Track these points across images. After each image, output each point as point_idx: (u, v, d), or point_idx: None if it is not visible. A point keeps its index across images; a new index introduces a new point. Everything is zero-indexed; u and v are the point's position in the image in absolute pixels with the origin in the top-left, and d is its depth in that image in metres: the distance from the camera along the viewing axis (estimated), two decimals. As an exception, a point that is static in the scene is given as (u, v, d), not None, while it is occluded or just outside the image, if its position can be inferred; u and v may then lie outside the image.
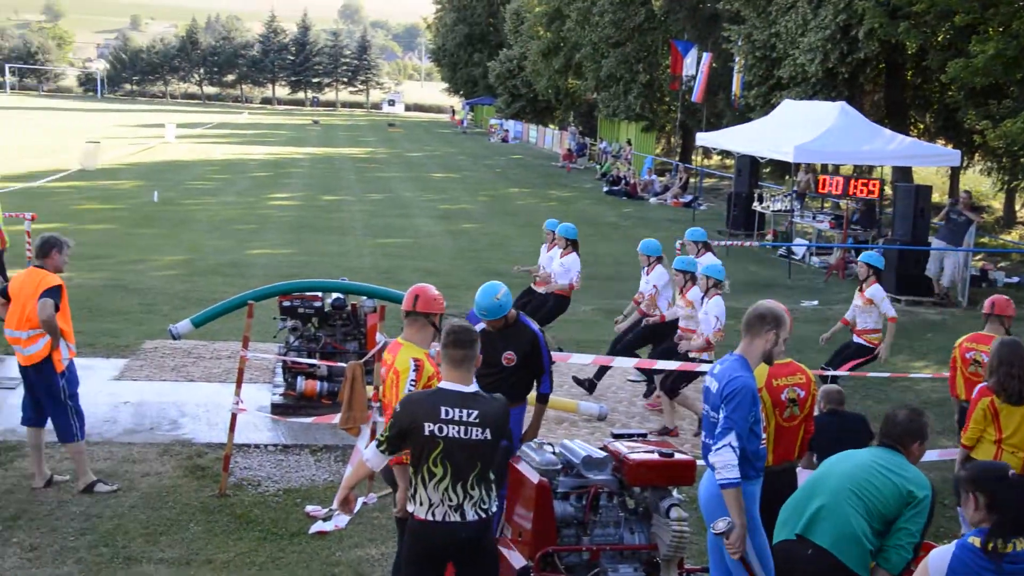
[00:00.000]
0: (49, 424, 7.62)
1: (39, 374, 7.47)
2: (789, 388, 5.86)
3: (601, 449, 6.04)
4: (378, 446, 4.99)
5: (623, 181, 35.56)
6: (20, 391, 8.00)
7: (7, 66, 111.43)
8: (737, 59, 30.20)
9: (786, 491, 5.43)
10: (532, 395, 7.08)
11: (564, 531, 5.82)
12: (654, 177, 36.48)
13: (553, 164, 46.74)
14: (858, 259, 10.60)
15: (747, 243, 22.12)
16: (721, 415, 5.25)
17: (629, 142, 42.15)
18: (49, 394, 7.49)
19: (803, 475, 6.25)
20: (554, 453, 6.04)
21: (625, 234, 25.03)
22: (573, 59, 48.38)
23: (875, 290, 10.05)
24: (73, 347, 7.66)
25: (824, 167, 25.47)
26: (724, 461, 5.16)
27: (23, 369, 7.57)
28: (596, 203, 32.24)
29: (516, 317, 6.71)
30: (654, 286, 10.72)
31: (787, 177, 26.78)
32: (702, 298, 9.55)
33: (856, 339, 10.18)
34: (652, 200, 33.38)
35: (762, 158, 23.28)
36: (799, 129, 20.66)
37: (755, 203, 23.74)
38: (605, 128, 48.98)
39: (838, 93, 24.55)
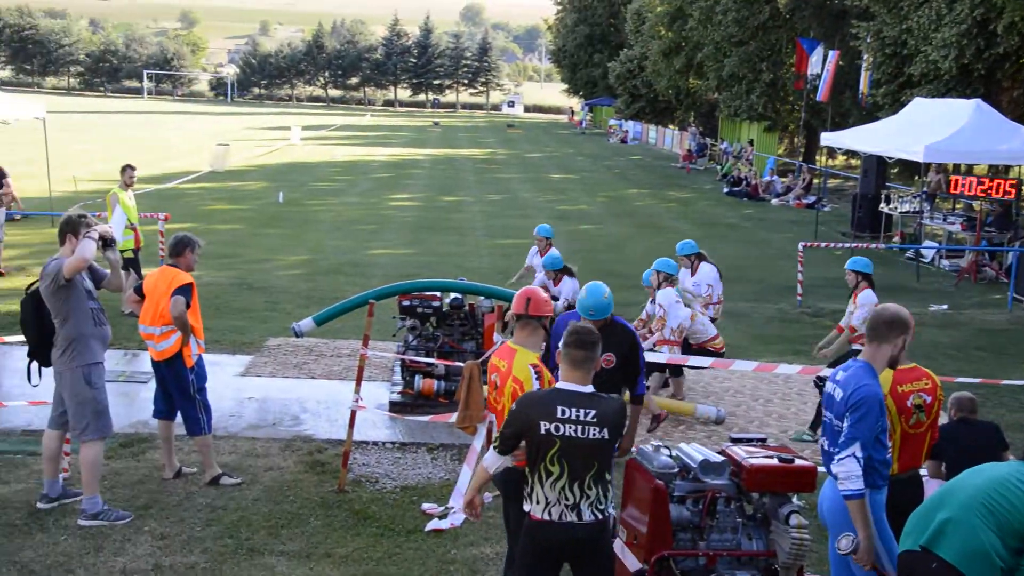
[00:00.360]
0: (179, 417, 7.87)
1: (170, 369, 7.71)
2: (915, 394, 5.64)
3: (719, 453, 5.94)
4: (493, 446, 5.00)
5: (744, 182, 35.00)
6: (152, 385, 8.29)
7: (145, 72, 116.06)
8: (865, 56, 29.40)
9: (912, 499, 5.24)
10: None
11: (680, 535, 5.75)
12: (776, 178, 35.82)
13: (672, 165, 46.30)
14: (845, 266, 10.11)
15: (873, 245, 21.52)
16: (845, 424, 5.09)
17: (751, 142, 41.46)
18: (179, 388, 7.73)
19: (930, 485, 6.02)
20: (671, 456, 5.97)
21: (745, 236, 24.62)
22: (694, 59, 47.83)
23: (865, 296, 9.70)
24: (202, 343, 7.88)
25: (956, 167, 24.59)
26: (848, 472, 5.00)
27: (155, 364, 7.81)
28: (716, 204, 31.79)
29: (611, 318, 6.59)
30: (660, 305, 10.33)
31: (916, 178, 25.96)
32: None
33: (856, 346, 9.75)
34: (774, 201, 32.76)
35: (890, 158, 22.61)
36: (930, 128, 19.96)
37: (882, 204, 23.06)
38: (726, 128, 48.29)
39: (973, 90, 23.64)
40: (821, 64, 33.22)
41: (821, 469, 5.49)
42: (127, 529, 6.94)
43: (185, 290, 7.52)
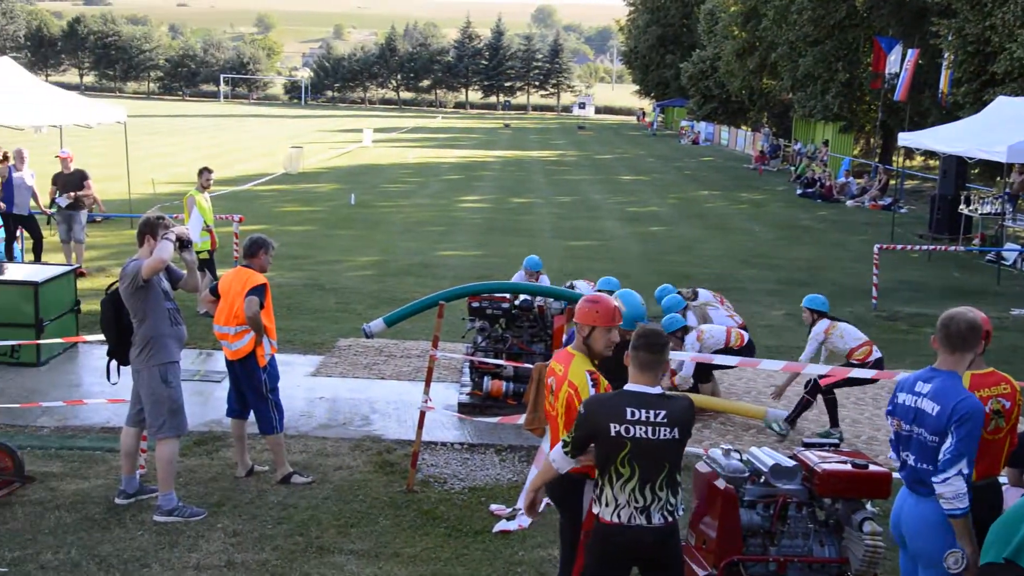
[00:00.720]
0: (251, 416, 7.99)
1: (244, 368, 7.82)
2: (993, 399, 5.48)
3: (791, 458, 5.85)
4: (563, 448, 4.98)
5: (818, 183, 34.48)
6: (226, 384, 8.42)
7: (222, 76, 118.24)
8: (946, 55, 28.75)
9: (990, 508, 5.10)
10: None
11: (750, 540, 5.68)
12: (851, 179, 35.23)
13: (745, 166, 45.81)
14: (802, 304, 10.06)
15: (951, 248, 21.04)
16: (951, 440, 4.83)
17: (826, 143, 40.85)
18: (252, 387, 7.83)
19: (1010, 493, 5.85)
20: (741, 460, 5.90)
21: (819, 238, 24.25)
22: (768, 59, 47.24)
23: (816, 328, 9.71)
24: (275, 343, 7.99)
25: (1040, 168, 23.89)
26: (955, 491, 4.79)
27: (229, 363, 7.93)
28: (789, 206, 31.37)
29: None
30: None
31: (998, 179, 25.29)
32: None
33: (851, 362, 9.55)
34: (848, 203, 32.23)
35: (971, 158, 22.02)
36: (1014, 127, 19.40)
37: (961, 206, 22.52)
38: (800, 129, 47.64)
39: (1060, 89, 23.00)
40: (899, 63, 32.57)
41: (896, 475, 5.35)
42: (201, 526, 7.06)
43: (259, 291, 7.63)
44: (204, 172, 13.80)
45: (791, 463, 5.75)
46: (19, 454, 7.62)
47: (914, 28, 35.53)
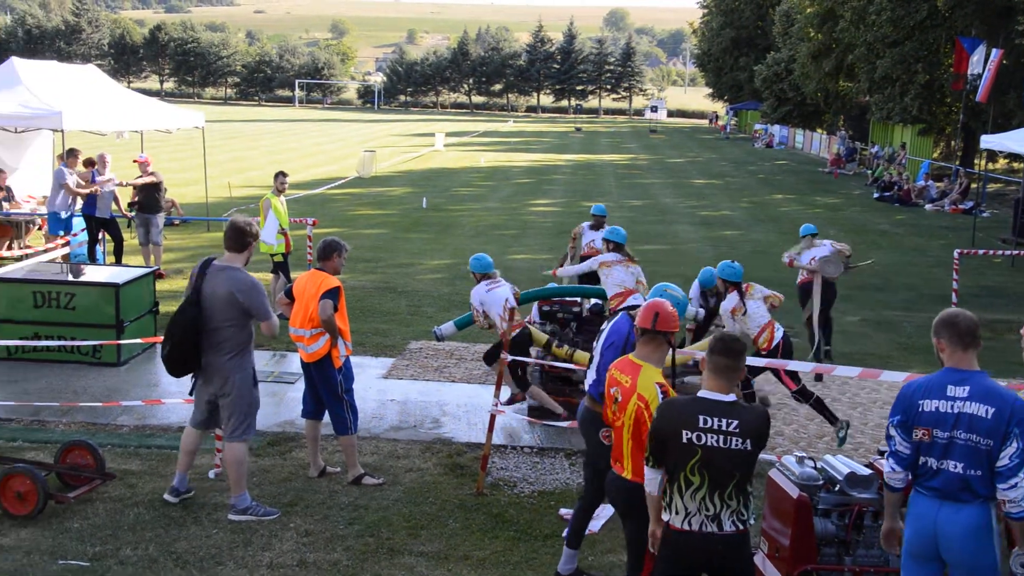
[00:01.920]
0: (325, 417, 8.08)
1: (319, 370, 7.88)
2: None
3: (866, 466, 5.74)
4: (647, 463, 4.94)
5: (896, 187, 33.83)
6: (300, 386, 8.53)
7: (297, 82, 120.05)
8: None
9: None
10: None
11: (824, 550, 5.60)
12: (931, 182, 34.49)
13: (820, 170, 45.15)
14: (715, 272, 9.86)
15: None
16: (1017, 444, 4.67)
17: (904, 146, 40.07)
18: (327, 389, 7.90)
19: None
20: (816, 468, 5.81)
21: (897, 242, 23.79)
22: (845, 60, 46.50)
23: (725, 304, 9.52)
24: (349, 345, 8.06)
25: None
26: (1022, 494, 4.66)
27: (304, 365, 8.01)
28: (865, 210, 30.82)
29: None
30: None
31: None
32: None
33: (760, 352, 9.28)
34: (928, 207, 31.56)
35: (1056, 161, 21.48)
36: (1100, 129, 18.87)
37: (1047, 210, 21.92)
38: (877, 132, 46.83)
39: None
40: (982, 64, 31.78)
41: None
42: (274, 525, 7.15)
43: (333, 293, 7.69)
44: (280, 176, 14.02)
45: (867, 471, 5.65)
46: (100, 452, 7.79)
47: (998, 27, 34.64)
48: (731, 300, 9.48)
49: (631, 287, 10.08)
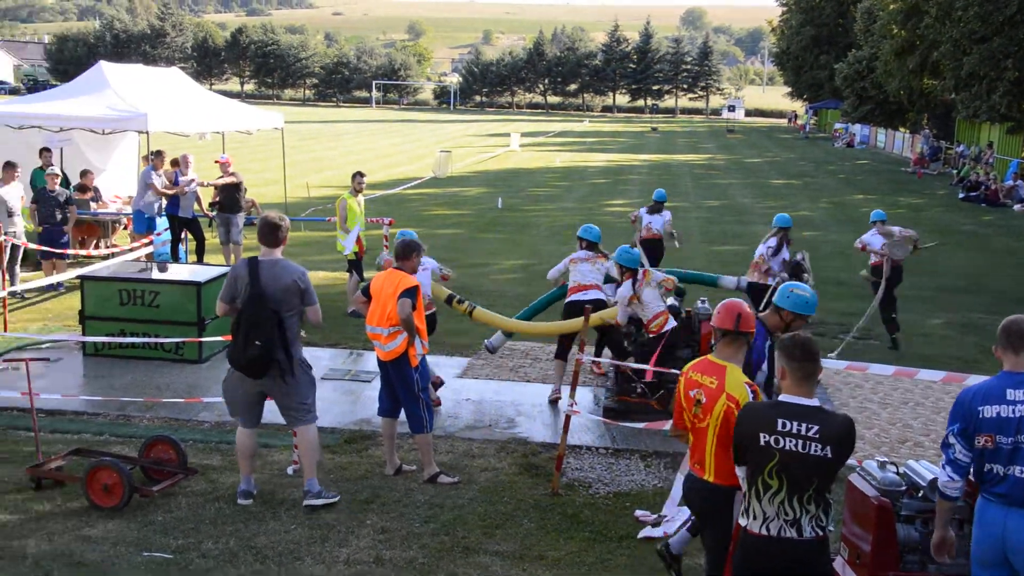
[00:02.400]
0: (401, 416, 8.14)
1: (396, 368, 7.94)
2: None
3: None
4: (736, 462, 4.90)
5: (982, 187, 32.99)
6: (376, 384, 8.60)
7: (374, 82, 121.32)
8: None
9: None
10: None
11: (907, 557, 5.49)
12: (1020, 182, 33.54)
13: (903, 169, 44.25)
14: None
15: None
16: None
17: (991, 144, 39.06)
18: (404, 387, 7.96)
19: None
20: (898, 473, 5.69)
21: (983, 244, 23.20)
22: (930, 57, 45.42)
23: (621, 290, 9.63)
24: (426, 344, 8.12)
25: None
26: None
27: (381, 363, 8.07)
28: (950, 210, 30.12)
29: None
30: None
31: None
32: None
33: (648, 335, 9.67)
34: (1016, 207, 30.73)
35: None
36: None
37: None
38: (963, 130, 45.73)
39: None
40: (1072, 60, 30.87)
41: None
42: (351, 522, 7.23)
43: (412, 292, 7.75)
44: (357, 176, 14.18)
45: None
46: (182, 447, 7.96)
47: (1090, 22, 33.59)
48: (626, 288, 9.68)
49: (591, 283, 10.30)
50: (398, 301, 7.69)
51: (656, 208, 15.19)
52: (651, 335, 9.68)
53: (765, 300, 10.60)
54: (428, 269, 10.24)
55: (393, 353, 7.87)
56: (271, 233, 7.35)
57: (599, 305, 10.06)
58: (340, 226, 13.97)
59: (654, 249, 14.42)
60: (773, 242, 12.62)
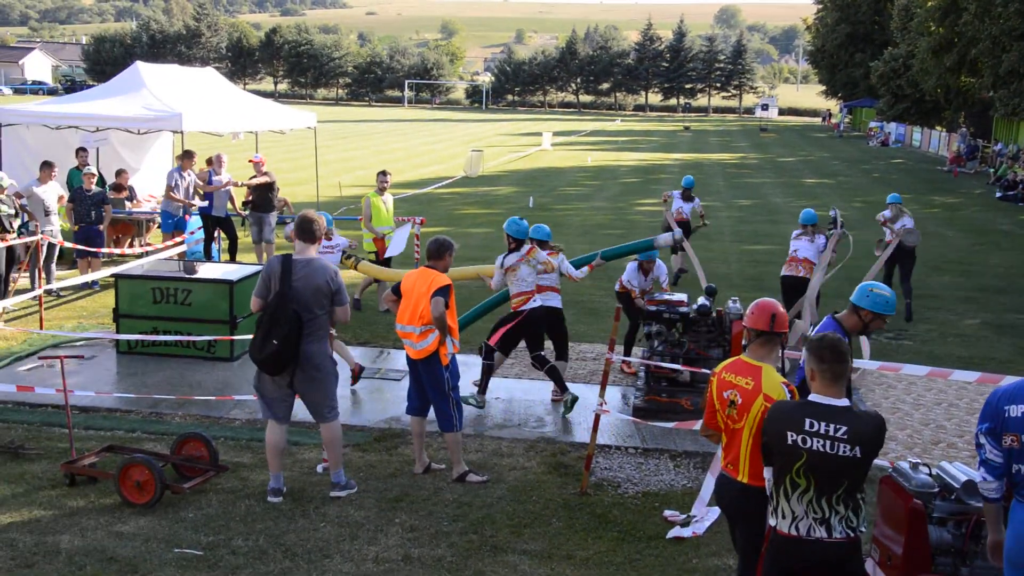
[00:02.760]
0: (431, 414, 8.15)
1: (427, 367, 7.95)
2: None
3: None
4: (765, 462, 4.89)
5: (1020, 186, 32.57)
6: (405, 383, 8.62)
7: (406, 82, 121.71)
8: None
9: None
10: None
11: (939, 559, 5.43)
12: (1058, 181, 33.13)
13: (939, 168, 43.79)
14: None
15: None
16: None
17: (1029, 143, 38.55)
18: (434, 385, 7.97)
19: None
20: (930, 475, 5.63)
21: (1020, 243, 22.92)
22: (968, 55, 44.94)
23: (509, 256, 9.94)
24: (457, 343, 8.13)
25: None
26: None
27: (411, 362, 8.07)
28: (987, 210, 29.75)
29: None
30: None
31: None
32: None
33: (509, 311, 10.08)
34: (1054, 207, 30.32)
35: None
36: None
37: None
38: (1001, 129, 45.17)
39: None
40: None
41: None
42: (379, 520, 7.25)
43: (445, 291, 7.78)
44: (381, 175, 14.27)
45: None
46: (214, 444, 8.02)
47: None
48: (511, 258, 9.88)
49: (531, 289, 9.97)
50: (431, 300, 7.71)
51: (687, 196, 17.09)
52: (512, 310, 9.96)
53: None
54: (338, 249, 11.13)
55: (424, 352, 7.88)
56: (305, 229, 7.44)
57: (552, 313, 10.15)
58: (365, 224, 14.04)
59: (683, 230, 14.97)
60: (805, 240, 13.09)
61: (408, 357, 8.11)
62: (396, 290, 8.14)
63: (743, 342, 5.58)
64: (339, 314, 7.45)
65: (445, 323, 7.74)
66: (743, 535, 5.36)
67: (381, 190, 14.12)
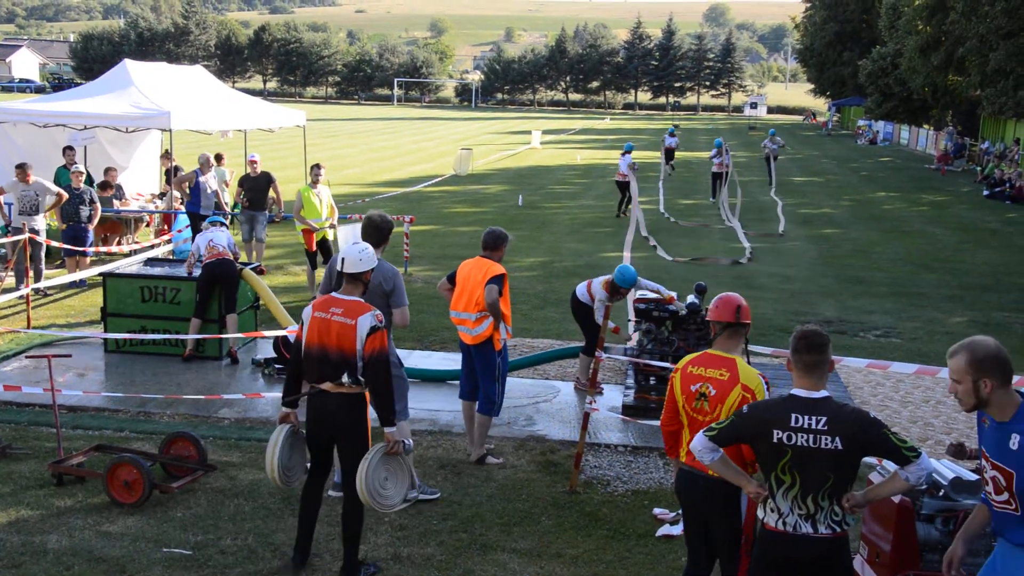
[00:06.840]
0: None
1: (480, 351, 8.26)
2: None
3: (973, 471, 5.56)
4: (708, 434, 4.73)
5: (1007, 184, 32.71)
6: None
7: (395, 80, 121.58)
8: None
9: None
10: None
11: (927, 556, 5.45)
12: (1044, 180, 33.28)
13: (926, 166, 43.95)
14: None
15: None
16: None
17: (1017, 141, 38.75)
18: (486, 369, 8.27)
19: None
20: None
21: (1007, 241, 23.00)
22: (955, 54, 45.09)
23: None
24: (510, 329, 8.41)
25: None
26: None
27: (465, 347, 8.37)
28: (974, 208, 29.88)
29: None
30: None
31: None
32: None
33: None
34: (1041, 205, 30.45)
35: None
36: None
37: None
38: (988, 127, 45.38)
39: None
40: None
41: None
42: (369, 519, 7.22)
43: (499, 279, 8.12)
44: (315, 168, 14.61)
45: (974, 477, 5.47)
46: (202, 444, 8.00)
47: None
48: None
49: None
50: (486, 287, 8.03)
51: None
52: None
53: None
54: (224, 244, 11.38)
55: (480, 337, 8.18)
56: (372, 233, 7.38)
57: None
58: (296, 215, 14.48)
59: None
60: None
61: (462, 342, 8.40)
62: (451, 279, 8.49)
63: (711, 336, 5.61)
64: (396, 317, 7.39)
65: (499, 310, 8.05)
66: (720, 532, 5.33)
67: (314, 183, 14.41)
